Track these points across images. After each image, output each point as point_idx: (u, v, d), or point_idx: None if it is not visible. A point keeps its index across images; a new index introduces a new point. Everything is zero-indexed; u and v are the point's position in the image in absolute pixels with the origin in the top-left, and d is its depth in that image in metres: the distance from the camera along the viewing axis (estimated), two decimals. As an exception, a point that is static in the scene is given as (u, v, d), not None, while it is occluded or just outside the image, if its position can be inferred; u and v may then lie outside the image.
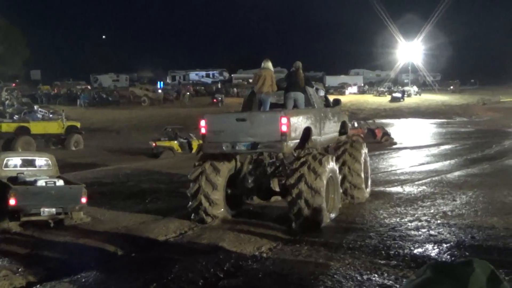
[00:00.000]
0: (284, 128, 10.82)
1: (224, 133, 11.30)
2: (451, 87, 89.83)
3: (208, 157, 11.83)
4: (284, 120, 10.84)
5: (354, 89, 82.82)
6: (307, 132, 11.79)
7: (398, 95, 71.54)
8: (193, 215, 11.83)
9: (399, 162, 22.74)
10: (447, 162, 21.98)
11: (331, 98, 14.79)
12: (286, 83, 13.10)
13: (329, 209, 11.53)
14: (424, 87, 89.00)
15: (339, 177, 12.34)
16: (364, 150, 14.20)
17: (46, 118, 33.40)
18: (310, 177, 10.88)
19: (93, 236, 10.78)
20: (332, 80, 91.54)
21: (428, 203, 13.26)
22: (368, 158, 14.73)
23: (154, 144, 27.14)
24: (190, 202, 11.84)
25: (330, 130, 13.46)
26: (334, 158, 12.22)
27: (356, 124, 32.89)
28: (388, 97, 72.27)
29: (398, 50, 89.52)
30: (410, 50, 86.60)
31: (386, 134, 32.14)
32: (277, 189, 13.34)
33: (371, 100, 71.25)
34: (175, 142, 27.50)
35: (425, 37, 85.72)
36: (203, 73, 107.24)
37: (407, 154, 26.27)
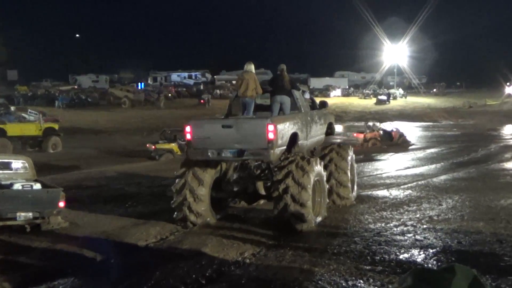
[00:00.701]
0: (271, 136, 10.94)
1: (210, 139, 11.41)
2: (435, 89, 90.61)
3: (193, 162, 11.92)
4: (270, 127, 10.94)
5: (338, 91, 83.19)
6: (293, 137, 11.97)
7: (384, 97, 72.04)
8: (175, 213, 11.85)
9: (384, 166, 22.86)
10: (433, 166, 22.15)
11: (317, 100, 14.93)
12: (272, 86, 13.21)
13: (315, 212, 11.65)
14: (409, 89, 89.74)
15: (326, 186, 12.51)
16: (351, 153, 14.38)
17: (34, 120, 32.98)
18: (298, 173, 11.11)
19: (71, 241, 10.68)
20: (316, 82, 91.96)
21: (414, 207, 13.35)
22: (354, 162, 14.87)
23: (153, 147, 27.12)
24: (174, 198, 11.90)
25: (316, 133, 13.68)
26: (321, 163, 12.42)
27: (371, 127, 32.69)
28: (374, 100, 72.73)
29: (383, 52, 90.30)
30: (395, 53, 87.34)
31: (402, 135, 32.14)
32: (263, 192, 13.40)
33: (356, 102, 71.67)
34: (174, 144, 27.44)
35: (411, 39, 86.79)
36: (185, 74, 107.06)
37: (393, 157, 26.41)
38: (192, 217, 11.70)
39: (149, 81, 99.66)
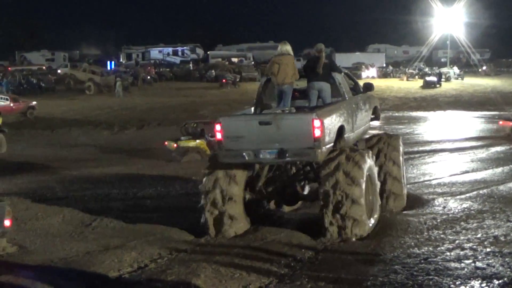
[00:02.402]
0: (317, 133, 12.15)
1: (245, 139, 12.65)
2: (484, 67, 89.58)
3: (221, 164, 13.04)
4: (317, 123, 12.14)
5: (373, 71, 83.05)
6: (339, 131, 13.21)
7: (433, 79, 71.82)
8: (202, 218, 13.15)
9: (434, 170, 22.80)
10: (499, 169, 22.04)
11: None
12: (307, 71, 14.39)
13: (368, 213, 12.77)
14: (468, 68, 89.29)
15: (378, 183, 13.77)
16: (402, 145, 15.66)
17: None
18: (349, 166, 12.43)
19: (20, 272, 10.72)
20: (343, 59, 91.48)
21: (474, 224, 13.33)
22: (404, 157, 15.99)
23: (174, 145, 27.06)
24: (202, 201, 13.17)
25: (362, 122, 15.22)
26: (373, 156, 13.78)
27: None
28: (420, 82, 72.58)
29: (433, 18, 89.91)
30: (449, 18, 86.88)
31: None
32: (304, 192, 14.67)
33: (397, 85, 71.53)
34: (201, 140, 27.33)
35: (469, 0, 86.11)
36: (169, 49, 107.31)
37: (446, 158, 26.32)
38: (224, 222, 12.92)
39: (121, 59, 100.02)
